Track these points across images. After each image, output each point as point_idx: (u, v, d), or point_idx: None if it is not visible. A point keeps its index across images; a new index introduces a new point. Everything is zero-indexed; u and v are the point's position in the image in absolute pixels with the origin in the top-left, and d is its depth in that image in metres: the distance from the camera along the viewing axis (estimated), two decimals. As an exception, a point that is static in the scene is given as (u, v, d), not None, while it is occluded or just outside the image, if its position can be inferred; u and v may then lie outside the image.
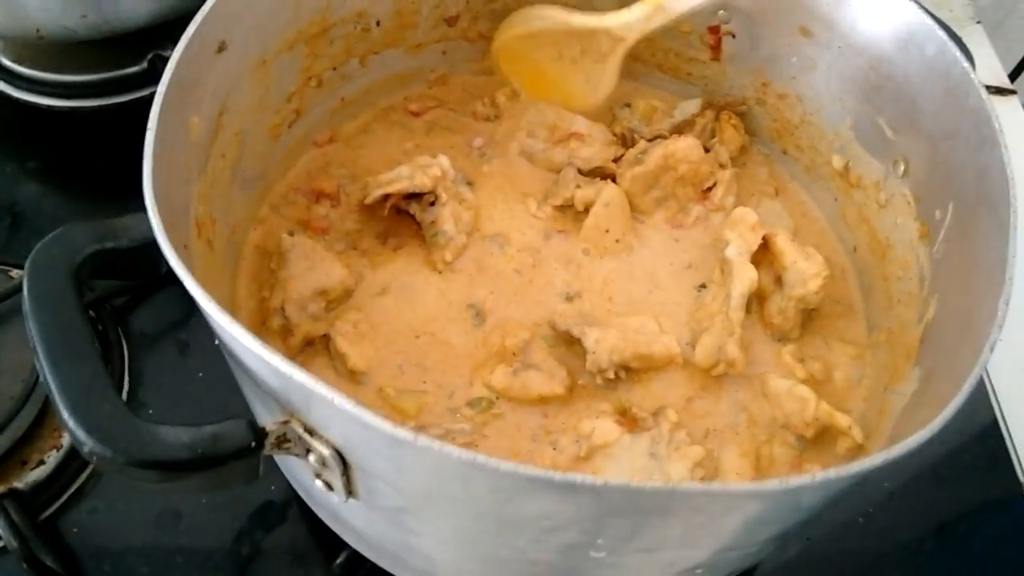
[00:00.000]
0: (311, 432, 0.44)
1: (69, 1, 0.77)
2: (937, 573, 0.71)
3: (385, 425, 0.38)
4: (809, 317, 0.68)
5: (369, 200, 0.69)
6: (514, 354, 0.64)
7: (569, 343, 0.65)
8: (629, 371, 0.63)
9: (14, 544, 0.63)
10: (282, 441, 0.45)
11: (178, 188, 0.52)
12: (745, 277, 0.64)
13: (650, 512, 0.42)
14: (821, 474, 0.39)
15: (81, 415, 0.41)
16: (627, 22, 0.72)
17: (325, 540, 0.65)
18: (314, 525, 0.64)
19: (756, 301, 0.67)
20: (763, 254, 0.67)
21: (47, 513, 0.68)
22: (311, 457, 0.46)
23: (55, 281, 0.46)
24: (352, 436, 0.43)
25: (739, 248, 0.66)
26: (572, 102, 0.78)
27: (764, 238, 0.66)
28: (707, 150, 0.76)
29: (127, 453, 0.41)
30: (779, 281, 0.67)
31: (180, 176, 0.52)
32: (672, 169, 0.73)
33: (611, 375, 0.61)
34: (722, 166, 0.76)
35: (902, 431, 0.54)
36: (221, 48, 0.57)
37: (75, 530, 0.67)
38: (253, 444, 0.43)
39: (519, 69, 0.79)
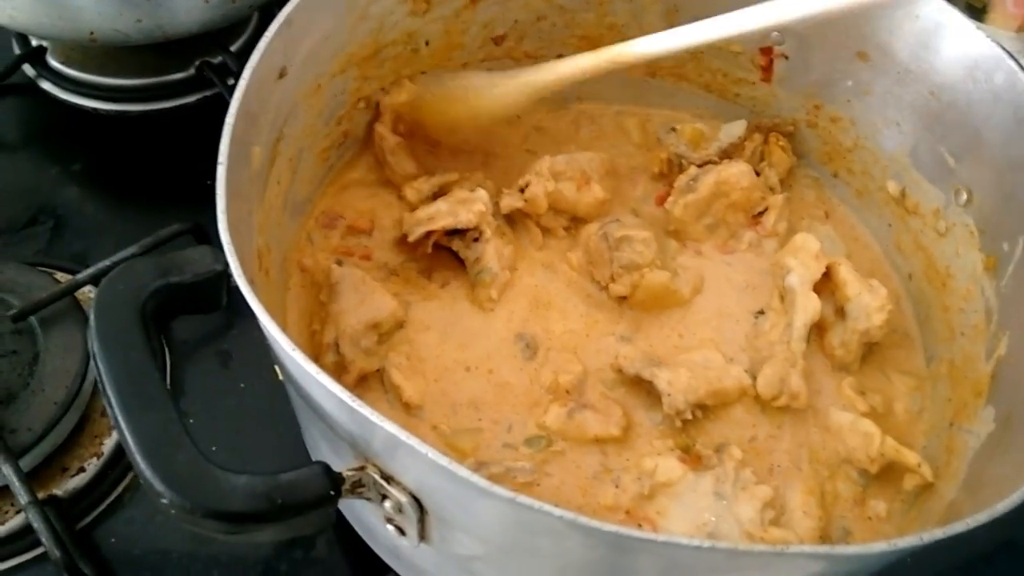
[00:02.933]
0: (388, 479, 0.43)
1: (125, 5, 0.76)
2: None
3: (482, 482, 0.37)
4: (868, 349, 0.66)
5: (412, 238, 0.67)
6: (568, 392, 0.62)
7: (633, 384, 0.63)
8: (704, 409, 0.61)
9: (56, 553, 0.61)
10: (357, 486, 0.44)
11: (244, 220, 0.50)
12: (809, 307, 0.63)
13: (746, 567, 0.41)
14: (928, 534, 0.38)
15: (157, 465, 0.40)
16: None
17: (367, 561, 0.62)
18: (356, 545, 0.62)
19: (815, 330, 0.66)
20: (824, 283, 0.65)
21: (85, 521, 0.66)
22: (387, 504, 0.44)
23: (122, 320, 0.44)
24: (437, 488, 0.41)
25: (801, 277, 0.64)
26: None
27: (827, 267, 0.65)
28: (757, 174, 0.74)
29: (205, 505, 0.40)
30: (840, 312, 0.65)
31: (244, 208, 0.51)
32: (724, 196, 0.71)
33: (688, 416, 0.60)
34: (772, 190, 0.75)
35: (984, 474, 0.52)
36: (282, 74, 0.56)
37: (112, 540, 0.66)
38: (332, 492, 0.42)
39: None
